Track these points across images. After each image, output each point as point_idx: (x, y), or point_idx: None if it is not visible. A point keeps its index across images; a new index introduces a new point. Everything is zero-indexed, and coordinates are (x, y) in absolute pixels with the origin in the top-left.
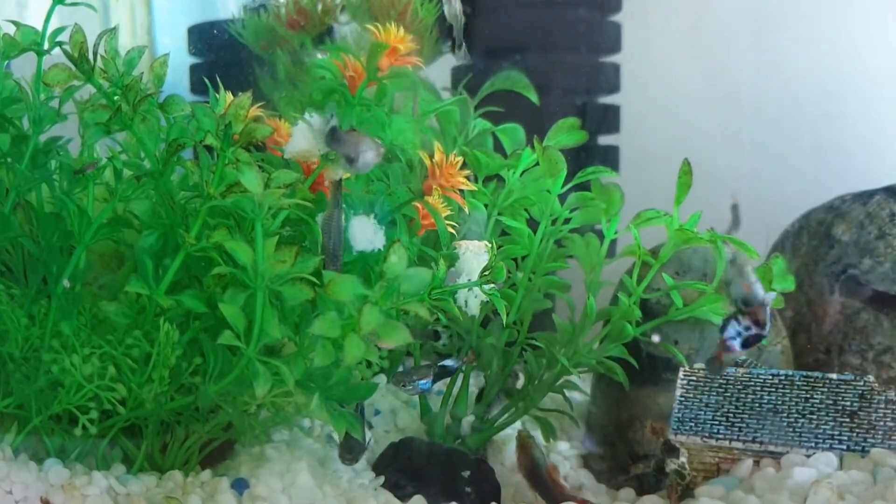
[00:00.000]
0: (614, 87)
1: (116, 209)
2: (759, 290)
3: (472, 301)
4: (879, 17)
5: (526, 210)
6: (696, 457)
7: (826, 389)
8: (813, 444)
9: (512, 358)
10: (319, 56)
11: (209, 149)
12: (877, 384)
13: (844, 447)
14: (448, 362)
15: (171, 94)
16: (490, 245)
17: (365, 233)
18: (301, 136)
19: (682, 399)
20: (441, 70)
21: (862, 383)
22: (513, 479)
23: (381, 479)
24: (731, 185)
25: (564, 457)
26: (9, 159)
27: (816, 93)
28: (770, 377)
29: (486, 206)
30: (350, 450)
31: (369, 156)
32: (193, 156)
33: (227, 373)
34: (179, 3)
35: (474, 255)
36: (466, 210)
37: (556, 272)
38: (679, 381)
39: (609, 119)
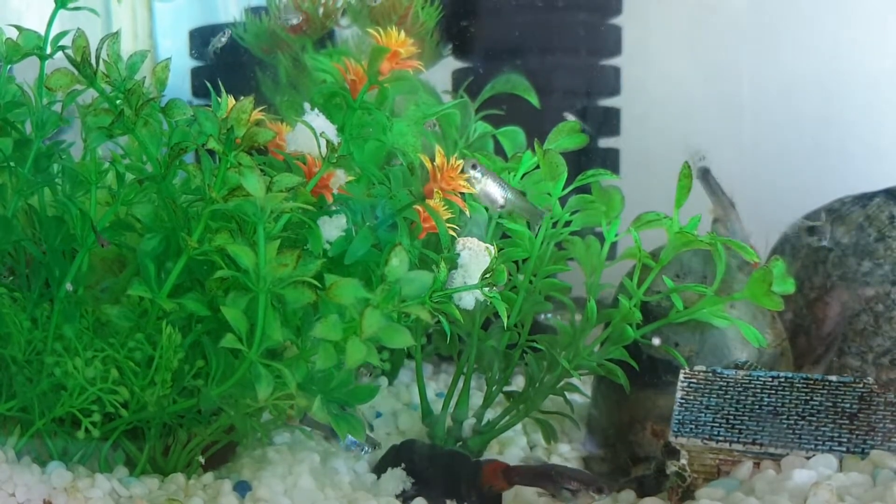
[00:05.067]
0: (615, 90)
1: (119, 213)
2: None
3: (467, 297)
4: (880, 19)
5: None
6: (697, 459)
7: (826, 392)
8: (813, 446)
9: (513, 360)
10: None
11: (211, 152)
12: (876, 386)
13: (844, 449)
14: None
15: (173, 97)
16: (491, 248)
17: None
18: (303, 133)
19: (683, 401)
20: (442, 73)
21: (861, 385)
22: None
23: None
24: (731, 187)
25: (565, 459)
26: (11, 163)
27: (816, 95)
28: (770, 379)
29: (486, 209)
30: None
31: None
32: (195, 160)
33: (229, 376)
34: (181, 7)
35: (473, 253)
36: (467, 213)
37: (556, 275)
38: (679, 384)
39: (609, 122)
